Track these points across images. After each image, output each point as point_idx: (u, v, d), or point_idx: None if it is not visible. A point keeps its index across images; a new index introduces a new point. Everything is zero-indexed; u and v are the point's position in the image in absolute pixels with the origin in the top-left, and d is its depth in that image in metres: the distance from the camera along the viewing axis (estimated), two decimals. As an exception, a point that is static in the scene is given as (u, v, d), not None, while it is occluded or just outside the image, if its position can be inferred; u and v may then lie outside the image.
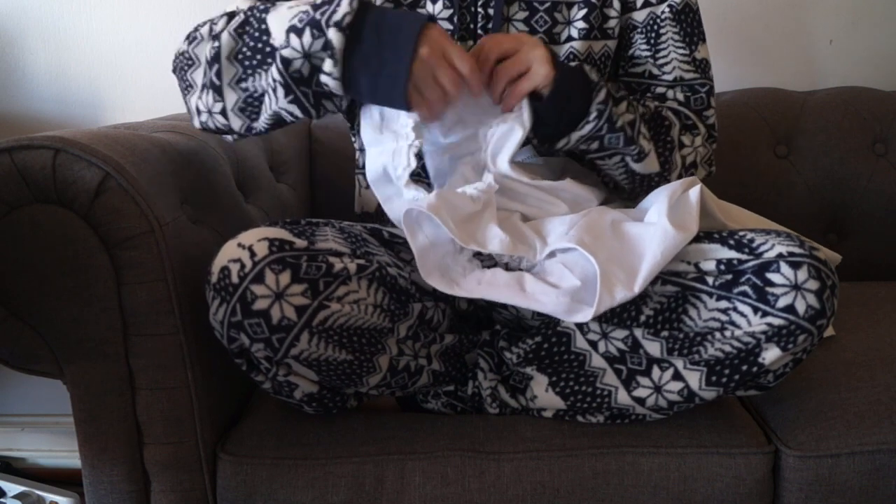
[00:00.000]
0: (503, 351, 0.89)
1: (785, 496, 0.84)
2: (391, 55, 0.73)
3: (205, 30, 0.83)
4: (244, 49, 0.79)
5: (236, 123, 0.83)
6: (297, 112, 0.78)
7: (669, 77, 0.97)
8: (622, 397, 0.83)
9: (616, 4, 0.96)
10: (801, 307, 0.73)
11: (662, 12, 0.96)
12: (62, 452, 1.53)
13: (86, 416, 0.80)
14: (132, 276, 0.76)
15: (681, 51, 0.96)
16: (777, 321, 0.74)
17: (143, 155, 0.81)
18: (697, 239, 0.80)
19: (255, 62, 0.78)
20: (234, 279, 0.72)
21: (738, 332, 0.76)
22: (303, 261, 0.73)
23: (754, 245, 0.77)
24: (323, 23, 0.73)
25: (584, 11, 0.94)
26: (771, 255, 0.75)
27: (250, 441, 0.85)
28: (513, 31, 0.92)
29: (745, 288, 0.76)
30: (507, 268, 0.83)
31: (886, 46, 1.48)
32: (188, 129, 0.95)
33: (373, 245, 0.85)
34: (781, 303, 0.74)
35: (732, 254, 0.77)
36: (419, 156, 0.92)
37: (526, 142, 0.84)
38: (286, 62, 0.75)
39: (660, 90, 0.97)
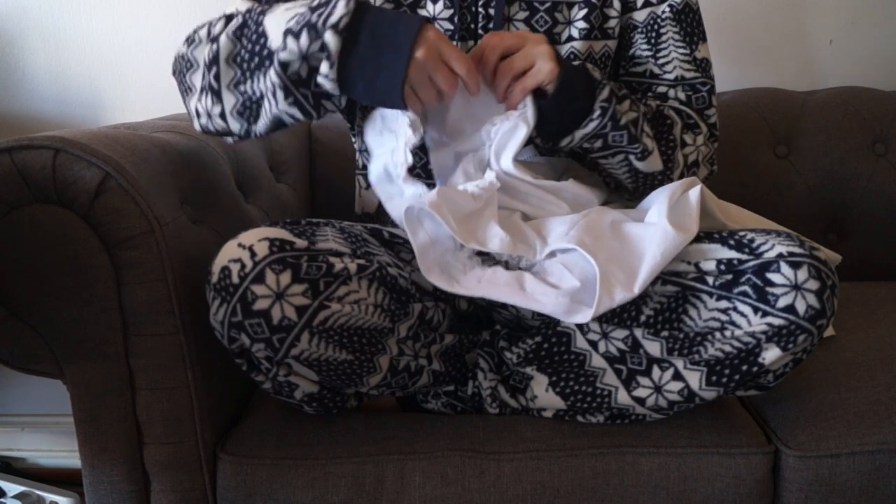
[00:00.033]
0: (503, 351, 0.89)
1: (785, 496, 0.84)
2: (387, 57, 0.73)
3: (203, 32, 0.83)
4: (242, 52, 0.79)
5: (235, 126, 0.83)
6: (298, 114, 0.78)
7: (671, 76, 0.97)
8: (622, 397, 0.83)
9: (616, 4, 0.96)
10: (801, 307, 0.73)
11: (663, 12, 0.96)
12: (62, 452, 1.53)
13: (86, 416, 0.80)
14: (132, 276, 0.76)
15: (681, 50, 0.96)
16: (777, 321, 0.74)
17: (143, 155, 0.81)
18: (697, 239, 0.80)
19: (253, 65, 0.78)
20: (235, 279, 0.72)
21: (738, 332, 0.76)
22: (303, 261, 0.73)
23: (754, 245, 0.77)
24: (319, 25, 0.72)
25: (584, 11, 0.94)
26: (771, 255, 0.75)
27: (250, 441, 0.85)
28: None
29: (746, 288, 0.76)
30: (507, 266, 0.83)
31: (886, 46, 1.48)
32: (188, 129, 0.95)
33: (373, 245, 0.85)
34: (781, 303, 0.74)
35: (732, 254, 0.77)
36: (420, 153, 0.92)
37: (529, 141, 0.84)
38: (284, 65, 0.74)
39: (661, 89, 0.97)
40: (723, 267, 0.77)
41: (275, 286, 0.72)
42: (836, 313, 0.76)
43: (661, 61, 0.97)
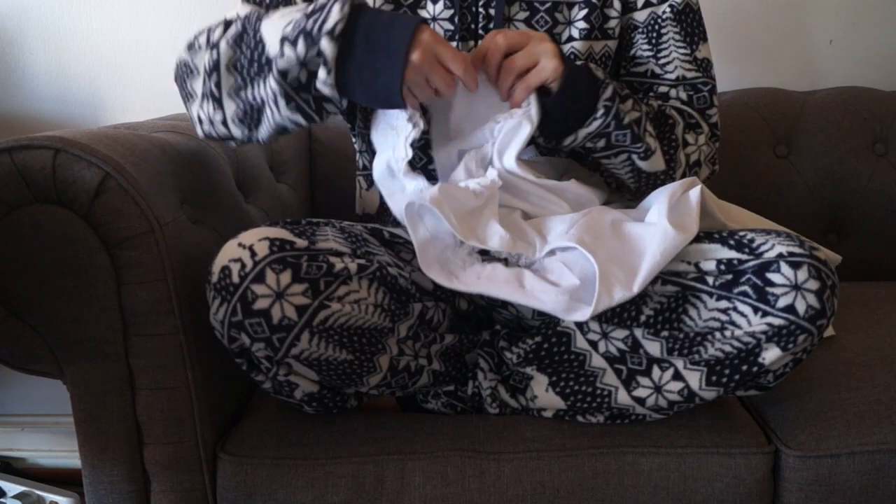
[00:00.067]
0: (503, 351, 0.89)
1: (785, 496, 0.84)
2: (383, 62, 0.73)
3: (202, 39, 0.83)
4: (242, 58, 0.79)
5: (237, 133, 0.83)
6: (301, 119, 0.78)
7: (672, 76, 0.97)
8: (622, 397, 0.83)
9: (617, 5, 0.96)
10: (801, 307, 0.73)
11: (663, 12, 0.96)
12: (62, 452, 1.53)
13: (86, 416, 0.80)
14: (132, 276, 0.76)
15: (682, 50, 0.96)
16: (777, 321, 0.74)
17: (143, 155, 0.81)
18: (697, 239, 0.80)
19: (252, 71, 0.78)
20: (235, 279, 0.72)
21: (738, 332, 0.76)
22: (303, 260, 0.73)
23: (754, 245, 0.77)
24: (315, 32, 0.73)
25: (584, 12, 0.94)
26: (771, 255, 0.75)
27: (250, 441, 0.85)
28: (513, 32, 0.92)
29: (746, 288, 0.76)
30: (507, 264, 0.83)
31: (886, 46, 1.48)
32: (188, 129, 0.95)
33: (373, 245, 0.85)
34: (781, 303, 0.74)
35: (732, 254, 0.77)
36: (421, 154, 0.92)
37: (531, 140, 0.84)
38: (283, 73, 0.75)
39: (662, 89, 0.97)
40: (723, 267, 0.77)
41: (275, 286, 0.72)
42: (836, 313, 0.76)
43: (662, 61, 0.97)
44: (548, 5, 0.94)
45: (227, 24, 0.82)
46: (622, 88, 0.87)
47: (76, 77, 1.44)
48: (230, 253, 0.73)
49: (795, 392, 0.89)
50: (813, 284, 0.73)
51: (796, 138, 1.36)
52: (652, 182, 0.91)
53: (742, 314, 0.76)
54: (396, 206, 0.87)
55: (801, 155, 1.35)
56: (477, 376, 0.90)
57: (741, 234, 0.79)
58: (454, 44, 0.93)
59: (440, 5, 0.93)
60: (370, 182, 1.04)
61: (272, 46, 0.75)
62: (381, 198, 1.02)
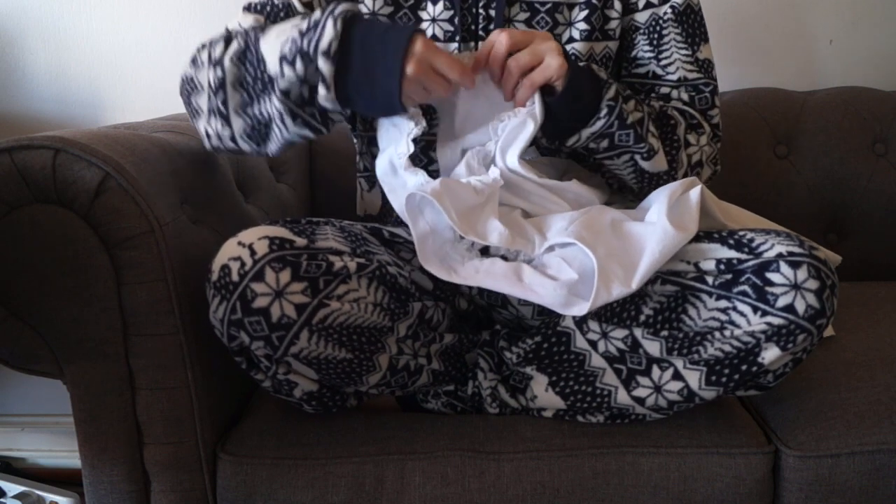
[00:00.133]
0: (503, 351, 0.89)
1: (785, 496, 0.84)
2: (381, 76, 0.74)
3: (204, 55, 0.83)
4: (246, 76, 0.80)
5: (246, 148, 0.85)
6: (309, 133, 0.80)
7: (673, 77, 0.96)
8: (622, 397, 0.83)
9: (617, 6, 0.96)
10: (800, 307, 0.73)
11: (665, 13, 0.96)
12: (62, 452, 1.53)
13: (86, 416, 0.80)
14: (132, 276, 0.76)
15: (683, 51, 0.96)
16: (777, 321, 0.74)
17: (143, 155, 0.81)
18: (697, 238, 0.80)
19: (258, 88, 0.79)
20: (235, 277, 0.72)
21: (737, 332, 0.76)
22: (303, 259, 0.73)
23: (754, 245, 0.77)
24: (311, 52, 0.74)
25: (585, 13, 0.94)
26: (770, 254, 0.75)
27: (250, 441, 0.85)
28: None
29: (745, 287, 0.76)
30: (506, 260, 0.83)
31: (886, 46, 1.48)
32: (188, 129, 0.95)
33: (373, 244, 0.85)
34: (781, 302, 0.74)
35: (732, 253, 0.77)
36: (422, 155, 0.92)
37: (533, 141, 0.84)
38: (286, 92, 0.76)
39: (664, 90, 0.97)
40: (722, 266, 0.77)
41: (274, 284, 0.72)
42: (835, 313, 0.76)
43: (663, 62, 0.97)
44: (548, 6, 0.94)
45: (228, 40, 0.82)
46: (624, 89, 0.87)
47: (76, 77, 1.44)
48: (230, 251, 0.73)
49: (795, 392, 0.89)
50: (812, 284, 0.73)
51: (796, 138, 1.36)
52: (654, 183, 0.91)
53: (741, 314, 0.76)
54: (398, 203, 0.88)
55: (801, 155, 1.35)
56: (477, 376, 0.90)
57: (741, 233, 0.79)
58: (454, 45, 0.93)
59: (440, 6, 0.93)
60: (371, 183, 1.04)
61: (272, 65, 0.77)
62: (383, 199, 1.03)
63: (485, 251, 0.85)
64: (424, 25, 0.94)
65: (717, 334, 0.78)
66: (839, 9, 1.46)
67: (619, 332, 0.82)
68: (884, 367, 0.92)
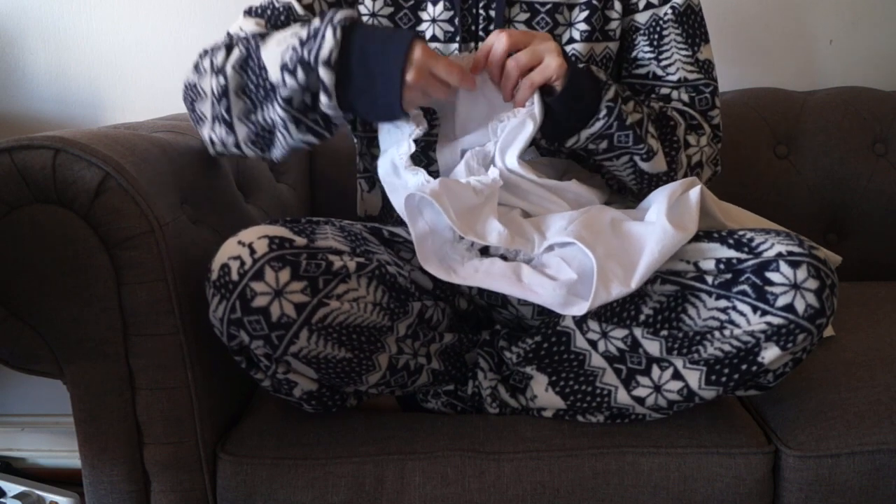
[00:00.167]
0: (503, 350, 0.89)
1: (785, 496, 0.84)
2: (381, 85, 0.75)
3: (206, 63, 0.84)
4: (248, 83, 0.81)
5: (250, 153, 0.86)
6: (313, 139, 0.81)
7: (673, 78, 0.96)
8: (622, 397, 0.83)
9: (617, 6, 0.96)
10: (800, 306, 0.73)
11: (665, 14, 0.96)
12: (62, 452, 1.53)
13: (86, 416, 0.80)
14: (132, 276, 0.76)
15: (684, 52, 0.96)
16: (776, 320, 0.74)
17: (143, 155, 0.81)
18: (697, 238, 0.80)
19: (261, 95, 0.80)
20: (234, 276, 0.72)
21: (737, 332, 0.76)
22: (302, 258, 0.74)
23: (754, 244, 0.77)
24: (311, 61, 0.74)
25: (585, 13, 0.94)
26: (770, 254, 0.75)
27: (250, 441, 0.85)
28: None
29: (745, 287, 0.76)
30: (505, 260, 0.83)
31: (886, 46, 1.48)
32: (188, 129, 0.95)
33: (372, 244, 0.85)
34: (781, 302, 0.74)
35: (732, 253, 0.77)
36: (422, 156, 0.93)
37: (532, 142, 0.84)
38: (288, 100, 0.77)
39: (664, 91, 0.97)
40: (722, 266, 0.77)
41: (274, 283, 0.72)
42: (835, 313, 0.76)
43: (663, 63, 0.97)
44: (548, 7, 0.94)
45: (230, 47, 0.83)
46: (623, 90, 0.87)
47: (76, 77, 1.44)
48: (230, 250, 0.73)
49: (795, 392, 0.89)
50: (812, 283, 0.73)
51: (796, 138, 1.36)
52: (654, 184, 0.91)
53: (741, 313, 0.76)
54: (399, 203, 0.88)
55: (801, 155, 1.35)
56: (477, 376, 0.90)
57: (740, 233, 0.79)
58: (454, 45, 0.93)
59: (440, 7, 0.93)
60: (371, 184, 1.04)
61: (273, 74, 0.77)
62: (383, 200, 1.03)
63: (484, 251, 0.85)
64: (424, 26, 0.94)
65: (717, 334, 0.78)
66: (839, 9, 1.46)
67: (619, 332, 0.82)
68: (884, 367, 0.92)
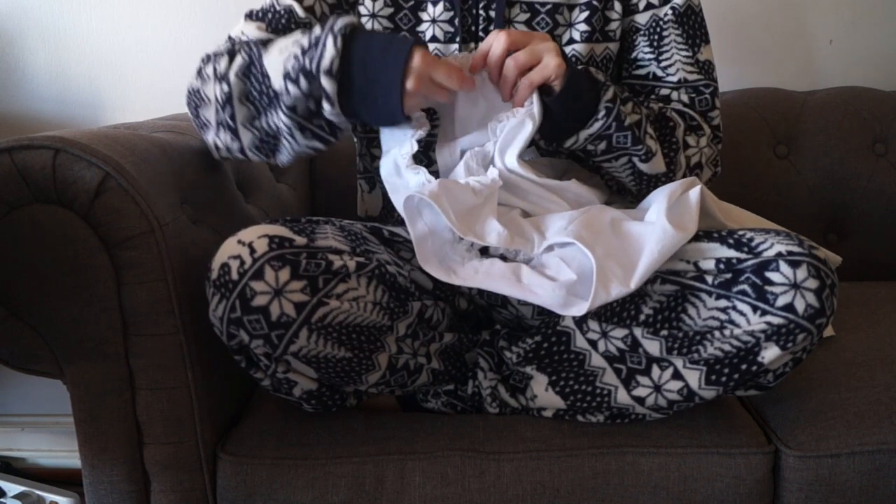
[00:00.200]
0: (503, 350, 0.89)
1: (785, 496, 0.84)
2: (382, 93, 0.76)
3: (209, 69, 0.84)
4: (252, 90, 0.81)
5: (255, 159, 0.87)
6: (319, 144, 0.82)
7: (673, 79, 0.96)
8: (622, 396, 0.83)
9: (618, 7, 0.96)
10: (800, 306, 0.73)
11: (665, 14, 0.96)
12: (62, 452, 1.53)
13: (86, 416, 0.80)
14: (132, 276, 0.76)
15: (684, 53, 0.96)
16: (776, 320, 0.74)
17: (143, 155, 0.81)
18: (697, 238, 0.80)
19: (265, 102, 0.80)
20: (234, 276, 0.72)
21: (737, 331, 0.76)
22: (302, 258, 0.74)
23: (753, 244, 0.77)
24: (313, 70, 0.75)
25: (585, 14, 0.94)
26: (770, 253, 0.75)
27: (250, 441, 0.85)
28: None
29: (745, 287, 0.76)
30: (505, 260, 0.83)
31: (886, 46, 1.48)
32: (188, 129, 0.95)
33: (372, 243, 0.85)
34: (781, 301, 0.74)
35: (732, 253, 0.77)
36: (422, 156, 0.93)
37: (531, 142, 0.84)
38: (292, 108, 0.78)
39: (664, 92, 0.97)
40: (722, 266, 0.77)
41: (273, 283, 0.72)
42: (835, 313, 0.76)
43: (663, 64, 0.97)
44: (548, 7, 0.94)
45: (232, 53, 0.83)
46: (622, 91, 0.87)
47: (76, 77, 1.44)
48: (229, 250, 0.73)
49: (795, 392, 0.89)
50: (812, 283, 0.73)
51: (796, 138, 1.36)
52: (653, 185, 0.91)
53: (741, 313, 0.76)
54: (400, 202, 0.88)
55: (801, 155, 1.35)
56: (477, 376, 0.90)
57: (740, 233, 0.79)
58: (454, 46, 0.93)
59: (440, 7, 0.93)
60: (371, 185, 1.04)
61: (276, 82, 0.78)
62: (384, 200, 1.03)
63: (484, 251, 0.85)
64: (424, 27, 0.94)
65: (717, 334, 0.78)
66: (839, 9, 1.46)
67: (619, 332, 0.82)
68: (884, 367, 0.92)
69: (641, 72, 0.98)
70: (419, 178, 0.84)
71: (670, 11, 0.96)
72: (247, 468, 0.82)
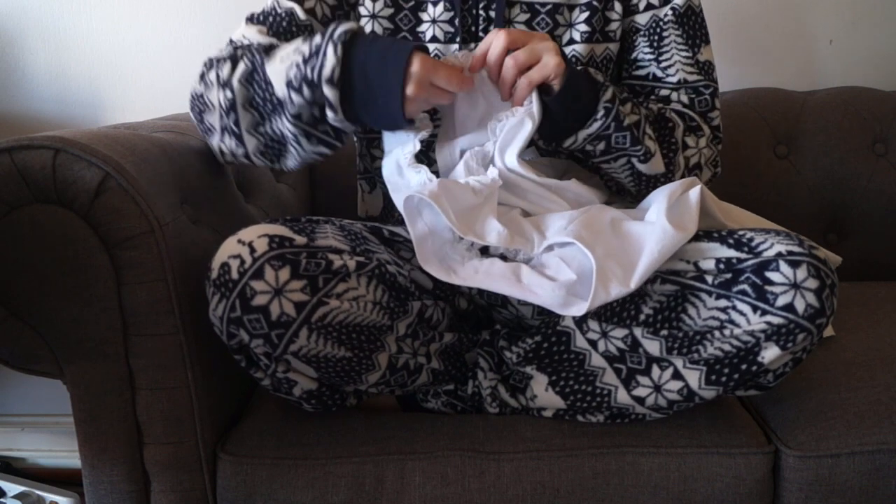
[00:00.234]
0: (503, 350, 0.89)
1: (785, 496, 0.84)
2: (383, 98, 0.76)
3: (212, 75, 0.84)
4: (255, 97, 0.82)
5: (260, 164, 0.87)
6: (325, 150, 0.83)
7: (673, 79, 0.96)
8: (622, 396, 0.83)
9: (618, 7, 0.96)
10: (800, 306, 0.73)
11: (665, 15, 0.96)
12: (62, 452, 1.53)
13: (86, 416, 0.80)
14: (132, 276, 0.76)
15: (684, 53, 0.96)
16: (776, 320, 0.74)
17: (143, 155, 0.81)
18: (697, 238, 0.80)
19: (269, 108, 0.81)
20: (234, 275, 0.72)
21: (737, 331, 0.76)
22: (302, 257, 0.74)
23: (753, 244, 0.77)
24: (315, 79, 0.76)
25: (585, 14, 0.94)
26: (770, 253, 0.75)
27: (250, 441, 0.85)
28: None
29: (745, 287, 0.76)
30: (505, 260, 0.83)
31: (886, 46, 1.48)
32: (188, 129, 0.95)
33: (372, 243, 0.85)
34: (780, 301, 0.74)
35: (732, 252, 0.77)
36: (423, 156, 0.93)
37: (531, 143, 0.84)
38: (297, 116, 0.78)
39: (664, 92, 0.97)
40: (722, 266, 0.77)
41: (273, 282, 0.72)
42: (835, 312, 0.76)
43: (663, 64, 0.97)
44: (548, 7, 0.94)
45: (234, 59, 0.83)
46: (621, 92, 0.87)
47: (76, 77, 1.44)
48: (229, 249, 0.73)
49: (795, 392, 0.89)
50: (812, 283, 0.73)
51: (796, 138, 1.36)
52: (651, 186, 0.91)
53: (741, 313, 0.76)
54: (401, 202, 0.88)
55: (801, 155, 1.35)
56: (477, 376, 0.90)
57: (740, 233, 0.79)
58: (454, 46, 0.93)
59: (440, 7, 0.93)
60: (372, 185, 1.04)
61: (280, 90, 0.79)
62: (384, 200, 1.03)
63: (484, 251, 0.85)
64: (425, 27, 0.95)
65: (717, 333, 0.78)
66: (839, 9, 1.46)
67: (619, 332, 0.82)
68: (884, 367, 0.92)
69: (641, 72, 0.98)
70: (420, 176, 0.84)
71: (670, 12, 0.96)
72: (247, 468, 0.82)
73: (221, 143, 0.86)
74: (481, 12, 0.93)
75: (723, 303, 0.77)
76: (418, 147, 0.84)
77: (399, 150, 0.87)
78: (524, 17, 0.94)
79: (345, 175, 1.26)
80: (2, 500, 1.34)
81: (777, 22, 1.47)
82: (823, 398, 0.88)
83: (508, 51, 0.80)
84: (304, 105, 0.77)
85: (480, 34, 0.94)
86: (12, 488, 1.35)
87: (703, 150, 0.94)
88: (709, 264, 0.78)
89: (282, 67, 0.79)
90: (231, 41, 0.91)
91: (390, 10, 0.95)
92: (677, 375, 0.80)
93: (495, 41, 0.80)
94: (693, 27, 0.97)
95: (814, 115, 1.35)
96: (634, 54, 0.98)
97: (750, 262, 0.76)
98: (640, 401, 0.82)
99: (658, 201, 0.83)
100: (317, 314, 0.74)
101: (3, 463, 1.51)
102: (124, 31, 1.43)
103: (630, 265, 0.76)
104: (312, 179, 1.38)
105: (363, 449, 0.83)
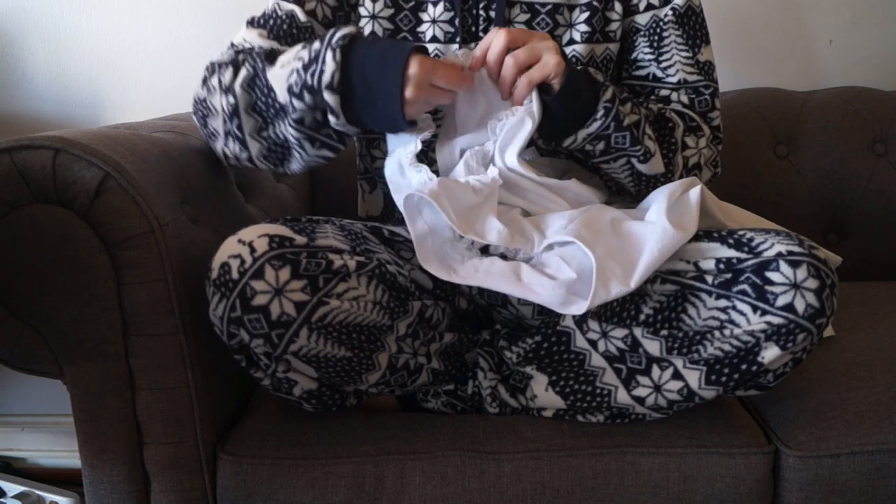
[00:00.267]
0: (503, 350, 0.89)
1: (785, 496, 0.84)
2: (383, 101, 0.77)
3: (214, 80, 0.85)
4: (258, 102, 0.82)
5: (264, 167, 0.88)
6: (328, 153, 0.83)
7: (673, 80, 0.96)
8: (622, 396, 0.83)
9: (618, 7, 0.96)
10: (800, 306, 0.73)
11: (665, 15, 0.96)
12: (62, 452, 1.53)
13: (86, 416, 0.80)
14: (132, 276, 0.76)
15: (684, 53, 0.96)
16: (776, 320, 0.74)
17: (143, 155, 0.81)
18: (697, 238, 0.80)
19: (272, 113, 0.81)
20: (234, 275, 0.72)
21: (737, 331, 0.76)
22: (302, 257, 0.74)
23: (754, 244, 0.77)
24: (315, 85, 0.76)
25: (585, 14, 0.94)
26: (770, 253, 0.75)
27: (250, 441, 0.85)
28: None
29: (745, 287, 0.76)
30: (505, 259, 0.83)
31: (886, 46, 1.48)
32: (188, 129, 0.95)
33: (373, 243, 0.85)
34: (781, 301, 0.74)
35: (732, 252, 0.77)
36: (423, 156, 0.93)
37: (531, 142, 0.84)
38: (299, 121, 0.79)
39: (664, 93, 0.97)
40: (722, 266, 0.77)
41: (274, 282, 0.72)
42: (835, 313, 0.76)
43: (663, 64, 0.97)
44: (549, 8, 0.94)
45: (237, 65, 0.83)
46: (621, 92, 0.87)
47: (76, 77, 1.44)
48: (230, 249, 0.73)
49: (795, 392, 0.89)
50: (812, 283, 0.73)
51: (796, 138, 1.36)
52: (651, 186, 0.91)
53: (741, 313, 0.76)
54: (401, 201, 0.88)
55: (801, 155, 1.35)
56: (477, 376, 0.90)
57: (740, 233, 0.79)
58: (455, 46, 0.93)
59: (440, 8, 0.93)
60: (372, 185, 1.04)
61: (281, 95, 0.79)
62: (385, 201, 1.03)
63: (484, 250, 0.85)
64: (425, 27, 0.95)
65: (717, 333, 0.78)
66: (839, 9, 1.46)
67: (619, 332, 0.82)
68: (884, 367, 0.92)
69: (641, 72, 0.98)
70: (421, 175, 0.84)
71: (671, 12, 0.96)
72: (247, 468, 0.82)
73: (225, 147, 0.87)
74: (481, 12, 0.93)
75: (723, 303, 0.77)
76: (420, 147, 0.84)
77: (401, 150, 0.87)
78: (524, 17, 0.94)
79: (345, 175, 1.26)
80: (2, 500, 1.34)
81: (777, 22, 1.47)
82: (823, 398, 0.88)
83: (508, 50, 0.80)
84: (305, 110, 0.78)
85: (480, 34, 0.94)
86: (12, 488, 1.35)
87: (702, 151, 0.94)
88: (709, 264, 0.78)
89: (282, 73, 0.79)
90: (232, 45, 0.91)
91: (390, 11, 0.95)
92: (677, 375, 0.80)
93: (495, 40, 0.80)
94: (693, 27, 0.97)
95: (814, 115, 1.35)
96: (634, 54, 0.98)
97: (750, 262, 0.76)
98: (640, 401, 0.82)
99: (658, 201, 0.83)
100: (317, 314, 0.74)
101: (3, 463, 1.51)
102: (124, 31, 1.43)
103: (630, 265, 0.76)
104: (313, 180, 1.38)
105: (363, 449, 0.83)
